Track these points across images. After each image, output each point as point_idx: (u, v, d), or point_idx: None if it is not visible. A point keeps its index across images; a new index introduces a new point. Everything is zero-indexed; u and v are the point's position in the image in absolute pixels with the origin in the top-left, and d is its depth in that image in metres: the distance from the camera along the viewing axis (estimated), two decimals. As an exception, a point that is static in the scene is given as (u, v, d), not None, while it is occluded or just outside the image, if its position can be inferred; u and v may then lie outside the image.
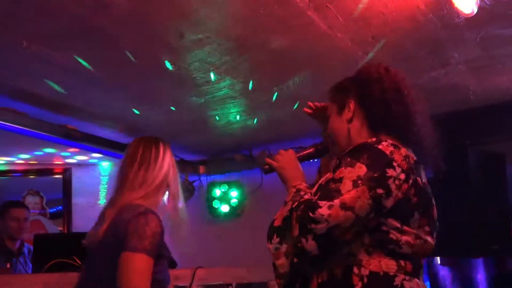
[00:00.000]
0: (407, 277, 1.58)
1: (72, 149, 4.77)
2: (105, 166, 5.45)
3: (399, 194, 1.57)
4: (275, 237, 1.69)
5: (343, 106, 1.82)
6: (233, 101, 3.72)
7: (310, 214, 1.51)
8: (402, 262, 1.59)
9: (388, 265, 1.57)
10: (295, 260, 1.61)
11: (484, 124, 4.04)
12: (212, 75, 3.24)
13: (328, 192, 1.56)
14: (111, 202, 2.04)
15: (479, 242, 3.91)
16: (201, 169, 5.28)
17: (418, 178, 1.65)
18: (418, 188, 1.63)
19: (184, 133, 4.50)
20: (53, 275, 2.97)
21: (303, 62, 3.13)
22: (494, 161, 4.15)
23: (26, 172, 5.40)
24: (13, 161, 5.27)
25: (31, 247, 4.01)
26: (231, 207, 5.35)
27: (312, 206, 1.53)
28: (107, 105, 3.76)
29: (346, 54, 2.98)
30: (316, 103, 2.08)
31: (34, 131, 3.64)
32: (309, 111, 2.11)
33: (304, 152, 1.97)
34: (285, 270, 1.66)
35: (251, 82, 3.37)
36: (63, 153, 5.02)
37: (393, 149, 1.62)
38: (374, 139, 1.67)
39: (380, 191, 1.53)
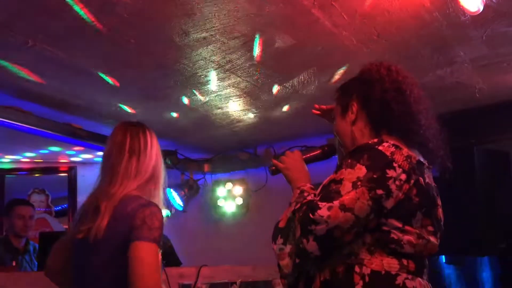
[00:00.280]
0: (409, 276, 1.58)
1: (77, 148, 4.79)
2: (110, 165, 5.45)
3: (400, 194, 1.57)
4: (279, 238, 1.71)
5: (346, 108, 1.83)
6: (237, 99, 3.72)
7: (310, 215, 1.53)
8: (405, 261, 1.59)
9: (390, 264, 1.58)
10: (297, 260, 1.63)
11: (489, 122, 4.02)
12: (216, 74, 3.23)
13: (329, 193, 1.57)
14: (105, 194, 1.95)
15: (484, 241, 3.90)
16: (206, 167, 5.29)
17: (421, 178, 1.64)
18: (420, 188, 1.63)
19: (189, 131, 4.50)
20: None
21: (308, 60, 3.12)
22: (500, 160, 4.14)
23: (31, 171, 5.42)
24: (19, 159, 5.29)
25: (37, 245, 4.03)
26: (236, 206, 5.36)
27: (312, 207, 1.54)
28: (112, 104, 3.76)
29: (351, 52, 2.97)
30: (322, 106, 2.08)
31: (40, 129, 3.65)
32: (317, 112, 2.11)
33: (311, 154, 1.99)
34: (289, 271, 1.68)
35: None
36: (68, 152, 5.03)
37: (394, 149, 1.62)
38: (375, 140, 1.68)
39: (380, 192, 1.54)
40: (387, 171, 1.56)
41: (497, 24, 2.74)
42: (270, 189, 4.77)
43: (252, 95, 3.65)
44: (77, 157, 5.19)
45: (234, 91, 3.56)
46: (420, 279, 1.62)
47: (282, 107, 3.91)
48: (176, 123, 4.24)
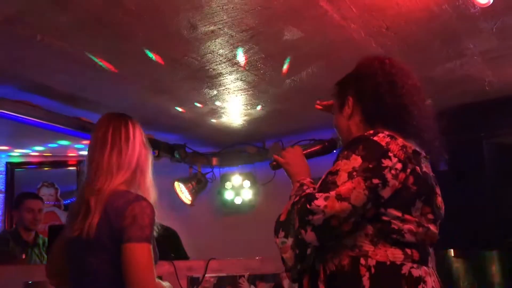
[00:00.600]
0: (414, 265, 1.60)
1: (86, 141, 4.79)
2: (119, 158, 5.47)
3: (397, 183, 1.59)
4: (281, 231, 1.75)
5: (343, 102, 1.87)
6: (245, 92, 3.71)
7: (307, 206, 1.55)
8: (409, 251, 1.61)
9: (394, 254, 1.59)
10: (297, 251, 1.67)
11: (499, 116, 3.99)
12: (224, 67, 3.23)
13: (325, 184, 1.60)
14: (92, 190, 1.94)
15: (494, 235, 3.88)
16: (214, 161, 5.29)
17: (417, 167, 1.66)
18: (417, 177, 1.64)
19: (197, 125, 4.51)
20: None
21: (316, 53, 3.11)
22: (509, 154, 4.11)
23: (40, 164, 5.45)
24: (28, 153, 5.32)
25: (46, 238, 4.06)
26: (244, 199, 5.36)
27: (309, 198, 1.57)
28: (120, 98, 3.77)
29: (360, 45, 2.96)
30: (324, 102, 2.10)
31: (49, 123, 3.66)
32: (320, 107, 2.14)
33: (311, 149, 2.02)
34: (293, 263, 1.71)
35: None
36: (77, 145, 5.05)
37: (389, 140, 1.64)
38: (371, 132, 1.69)
39: (376, 181, 1.56)
40: (383, 160, 1.59)
41: (508, 16, 2.72)
42: (278, 182, 4.76)
43: (260, 89, 3.65)
44: (85, 151, 5.18)
45: (242, 85, 3.55)
46: (425, 267, 1.64)
47: (290, 100, 3.90)
48: (184, 117, 4.24)
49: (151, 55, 3.00)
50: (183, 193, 4.99)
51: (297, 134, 4.60)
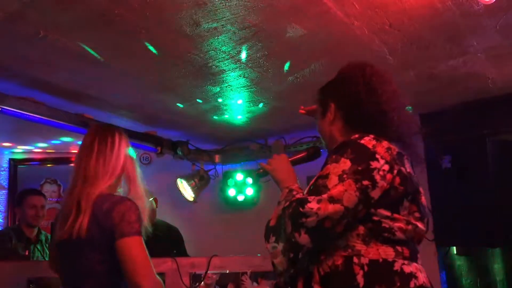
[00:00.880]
0: (406, 262, 1.66)
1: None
2: (122, 155, 5.48)
3: (385, 184, 1.65)
4: (271, 236, 1.78)
5: (325, 108, 1.94)
6: (248, 89, 3.71)
7: (300, 209, 1.59)
8: (399, 248, 1.67)
9: (386, 252, 1.65)
10: (291, 255, 1.70)
11: (502, 113, 3.98)
12: (227, 64, 3.23)
13: (317, 188, 1.65)
14: (81, 194, 2.08)
15: (497, 232, 3.88)
16: (217, 158, 5.30)
17: (402, 168, 1.72)
18: (403, 177, 1.70)
19: (200, 122, 4.51)
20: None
21: (319, 50, 3.10)
22: (513, 151, 4.11)
23: (43, 161, 5.47)
24: (31, 149, 5.34)
25: (49, 235, 4.07)
26: (246, 196, 5.36)
27: (302, 202, 1.61)
28: (123, 94, 3.77)
29: (363, 42, 2.95)
30: (307, 107, 2.16)
31: (52, 120, 3.67)
32: (303, 112, 2.19)
33: (297, 156, 2.10)
34: (284, 268, 1.74)
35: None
36: (80, 142, 5.04)
37: (375, 142, 1.71)
38: (357, 136, 1.75)
39: (366, 182, 1.61)
40: (371, 162, 1.64)
41: (511, 14, 2.71)
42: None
43: (262, 86, 3.65)
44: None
45: (245, 82, 3.55)
46: (415, 264, 1.70)
47: (293, 98, 3.90)
48: (187, 113, 4.24)
49: (154, 50, 3.00)
50: (186, 190, 5.00)
51: (299, 131, 4.61)
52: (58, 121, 3.71)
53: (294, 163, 2.02)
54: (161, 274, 3.31)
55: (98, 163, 2.13)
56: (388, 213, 1.66)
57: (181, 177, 5.01)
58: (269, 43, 2.96)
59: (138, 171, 2.26)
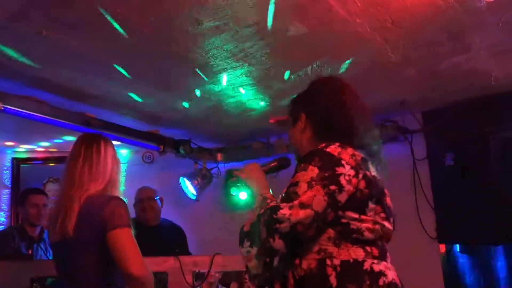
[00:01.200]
0: (375, 261, 1.78)
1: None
2: (124, 154, 5.49)
3: (351, 188, 1.78)
4: (245, 241, 1.90)
5: (296, 118, 2.08)
6: (250, 88, 3.71)
7: (274, 215, 1.70)
8: (369, 248, 1.79)
9: (356, 252, 1.77)
10: (267, 259, 1.80)
11: (505, 110, 3.97)
12: (229, 62, 3.22)
13: (288, 195, 1.77)
14: (69, 197, 2.25)
15: (500, 230, 3.87)
16: (219, 156, 5.29)
17: (367, 172, 1.86)
18: (368, 181, 1.84)
19: (202, 120, 4.51)
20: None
21: (321, 48, 3.10)
22: (516, 148, 4.10)
23: (46, 160, 5.47)
24: (34, 149, 5.34)
25: (52, 234, 4.07)
26: (249, 195, 5.34)
27: (275, 209, 1.72)
28: (125, 93, 3.77)
29: (365, 40, 2.94)
30: (277, 117, 2.33)
31: (54, 119, 3.67)
32: (273, 121, 2.35)
33: (268, 166, 2.21)
34: (258, 272, 1.84)
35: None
36: (82, 141, 5.05)
37: (340, 149, 1.85)
38: (323, 145, 1.88)
39: (333, 187, 1.74)
40: (337, 169, 1.78)
41: (514, 10, 2.70)
42: (283, 178, 4.76)
43: (265, 84, 3.64)
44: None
45: (247, 80, 3.55)
46: (385, 262, 1.82)
47: (295, 96, 3.89)
48: (189, 112, 4.24)
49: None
50: (189, 188, 5.00)
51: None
52: (60, 120, 3.72)
53: (266, 172, 2.15)
54: (164, 273, 3.32)
55: (83, 169, 2.29)
56: (355, 215, 1.78)
57: (184, 175, 5.01)
58: (271, 42, 2.96)
59: (120, 177, 2.46)
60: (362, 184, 1.81)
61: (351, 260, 1.75)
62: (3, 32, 2.74)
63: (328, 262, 1.74)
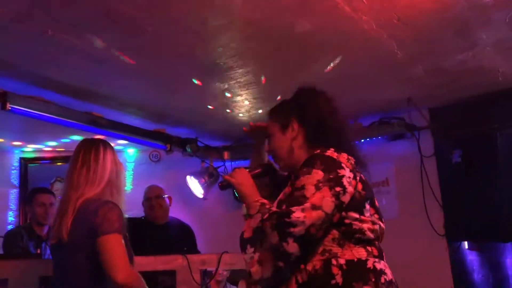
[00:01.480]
0: (376, 260, 1.84)
1: (98, 136, 4.82)
2: (131, 153, 5.51)
3: (352, 189, 1.85)
4: (248, 247, 1.88)
5: (286, 126, 2.09)
6: (256, 86, 3.71)
7: (286, 219, 1.73)
8: (369, 248, 1.85)
9: (359, 252, 1.83)
10: (281, 264, 1.79)
11: (513, 107, 3.95)
12: (235, 60, 3.22)
13: (295, 199, 1.79)
14: (67, 200, 2.31)
15: (508, 226, 3.86)
16: (226, 154, 5.29)
17: (362, 175, 1.95)
18: (363, 183, 1.92)
19: (208, 119, 4.51)
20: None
21: (327, 46, 3.09)
22: (524, 145, 4.07)
23: (54, 159, 5.48)
24: (41, 148, 5.36)
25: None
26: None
27: (285, 213, 1.75)
28: (131, 92, 3.78)
29: (371, 37, 2.94)
30: (257, 123, 2.39)
31: (61, 118, 3.68)
32: (246, 129, 2.42)
33: (255, 172, 2.18)
34: (260, 277, 1.83)
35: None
36: (89, 140, 5.07)
37: (337, 154, 1.93)
38: (318, 150, 1.96)
39: (338, 189, 1.80)
40: (339, 171, 1.84)
41: (521, 6, 2.68)
42: (290, 176, 4.76)
43: (270, 82, 3.64)
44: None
45: (253, 78, 3.54)
46: (383, 261, 1.89)
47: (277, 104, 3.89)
48: (195, 111, 4.24)
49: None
50: (196, 187, 5.01)
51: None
52: (67, 120, 3.73)
53: (253, 177, 2.12)
54: (172, 271, 3.33)
55: (81, 172, 2.34)
56: (356, 215, 1.84)
57: (191, 174, 5.02)
58: (277, 39, 2.95)
59: (123, 180, 2.50)
60: (360, 186, 1.89)
61: (355, 259, 1.80)
62: (9, 31, 2.75)
63: (334, 262, 1.78)
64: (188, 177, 5.02)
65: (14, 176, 5.36)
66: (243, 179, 2.05)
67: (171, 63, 3.26)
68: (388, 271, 1.88)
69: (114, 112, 4.07)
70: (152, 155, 5.49)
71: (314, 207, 1.74)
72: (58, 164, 5.49)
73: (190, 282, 3.23)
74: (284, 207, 1.81)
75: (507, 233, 3.90)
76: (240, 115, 4.41)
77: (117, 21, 2.65)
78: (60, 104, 3.66)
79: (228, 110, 4.26)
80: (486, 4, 2.63)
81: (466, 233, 4.23)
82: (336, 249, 1.80)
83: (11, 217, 5.26)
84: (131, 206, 3.43)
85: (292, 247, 1.73)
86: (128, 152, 5.48)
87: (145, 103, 4.01)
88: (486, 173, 3.95)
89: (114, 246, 2.17)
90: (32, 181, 5.35)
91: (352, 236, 1.83)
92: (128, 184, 5.29)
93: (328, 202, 1.77)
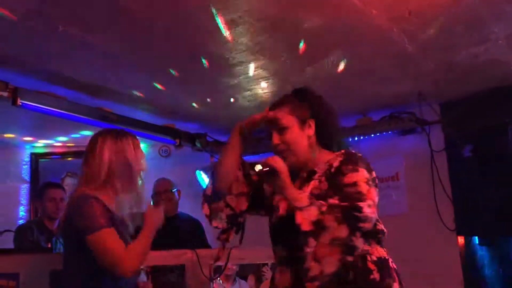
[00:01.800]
0: (391, 259, 1.92)
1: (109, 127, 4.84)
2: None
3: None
4: (312, 241, 1.72)
5: (304, 122, 2.06)
6: (266, 81, 3.70)
7: (357, 214, 1.73)
8: (384, 248, 1.92)
9: (381, 251, 1.89)
10: (349, 258, 1.75)
11: (525, 101, 3.92)
12: (245, 56, 3.22)
13: (350, 194, 1.79)
14: (69, 196, 2.41)
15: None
16: (235, 149, 5.28)
17: None
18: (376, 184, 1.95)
19: (218, 113, 4.51)
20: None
21: (337, 40, 3.08)
22: (535, 139, 4.04)
23: (64, 155, 5.51)
24: (52, 143, 5.38)
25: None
26: (266, 187, 5.35)
27: (355, 207, 1.73)
28: (141, 88, 3.79)
29: (382, 32, 2.92)
30: (276, 114, 2.18)
31: (72, 114, 3.70)
32: (269, 115, 2.21)
33: (261, 171, 2.06)
34: (319, 272, 1.71)
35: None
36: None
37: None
38: (343, 150, 1.99)
39: (377, 189, 1.88)
40: (373, 172, 1.91)
41: (534, -1, 2.65)
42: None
43: (280, 77, 3.63)
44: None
45: (263, 73, 3.54)
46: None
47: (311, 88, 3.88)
48: (205, 106, 4.25)
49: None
50: (205, 181, 5.01)
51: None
52: (77, 115, 3.74)
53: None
54: (181, 266, 3.33)
55: (82, 168, 2.30)
56: (377, 216, 1.87)
57: (200, 169, 5.02)
58: (286, 34, 2.94)
59: (133, 172, 2.32)
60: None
61: (382, 257, 1.87)
62: (19, 28, 2.76)
63: (369, 258, 1.84)
64: (197, 172, 5.03)
65: (25, 171, 5.40)
66: (284, 168, 1.90)
67: (180, 59, 3.26)
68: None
69: (124, 108, 4.08)
70: (162, 150, 5.50)
71: (374, 204, 1.79)
72: (69, 159, 5.52)
73: (200, 276, 3.24)
74: (336, 201, 1.75)
75: (518, 228, 3.87)
76: (250, 110, 4.40)
77: (127, 16, 2.65)
78: (70, 100, 3.68)
79: (238, 105, 4.26)
80: (498, -3, 2.60)
81: (476, 228, 4.20)
82: (366, 247, 1.83)
83: (22, 212, 5.30)
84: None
85: (359, 241, 1.74)
86: (138, 147, 5.49)
87: (154, 98, 4.01)
88: (497, 167, 3.93)
89: (100, 244, 2.09)
90: (43, 176, 5.38)
91: (376, 236, 1.89)
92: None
93: (377, 200, 1.83)
